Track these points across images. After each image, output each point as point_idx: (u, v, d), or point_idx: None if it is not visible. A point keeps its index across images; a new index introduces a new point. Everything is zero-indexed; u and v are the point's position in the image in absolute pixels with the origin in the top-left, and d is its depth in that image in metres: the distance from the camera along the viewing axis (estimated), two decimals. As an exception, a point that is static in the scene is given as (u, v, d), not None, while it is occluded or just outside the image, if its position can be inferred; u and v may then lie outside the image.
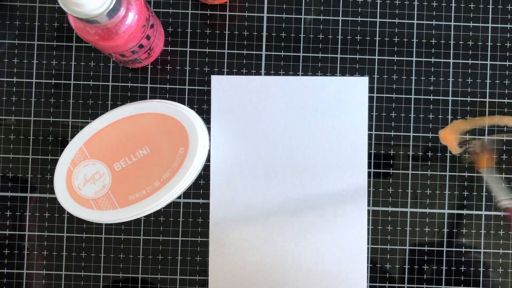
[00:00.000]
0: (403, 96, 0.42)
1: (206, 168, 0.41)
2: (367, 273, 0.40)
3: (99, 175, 0.36)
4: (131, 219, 0.37)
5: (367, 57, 0.42)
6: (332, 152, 0.41)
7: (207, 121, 0.41)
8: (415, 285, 0.41)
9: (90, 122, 0.37)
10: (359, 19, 0.42)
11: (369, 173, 0.41)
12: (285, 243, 0.40)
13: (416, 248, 0.41)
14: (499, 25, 0.42)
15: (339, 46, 0.42)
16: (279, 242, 0.40)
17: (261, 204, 0.40)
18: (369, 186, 0.41)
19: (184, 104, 0.41)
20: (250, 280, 0.40)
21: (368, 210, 0.41)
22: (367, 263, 0.41)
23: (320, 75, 0.41)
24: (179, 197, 0.41)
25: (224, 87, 0.41)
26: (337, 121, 0.41)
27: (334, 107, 0.41)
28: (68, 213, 0.41)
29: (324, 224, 0.40)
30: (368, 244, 0.41)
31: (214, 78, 0.41)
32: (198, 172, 0.38)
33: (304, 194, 0.40)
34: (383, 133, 0.41)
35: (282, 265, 0.40)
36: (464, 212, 0.41)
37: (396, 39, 0.42)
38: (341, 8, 0.42)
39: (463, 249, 0.41)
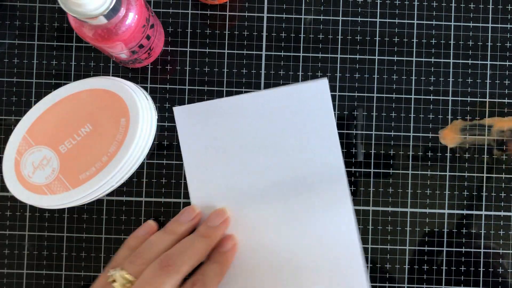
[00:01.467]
0: (403, 96, 0.42)
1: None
2: (367, 271, 0.40)
3: (46, 160, 0.36)
4: (90, 200, 0.37)
5: (367, 57, 0.42)
6: (307, 155, 0.40)
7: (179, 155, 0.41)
8: (415, 285, 0.41)
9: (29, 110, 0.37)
10: (359, 19, 0.42)
11: (369, 173, 0.41)
12: (272, 234, 0.40)
13: (416, 248, 0.41)
14: (499, 25, 0.42)
15: (339, 46, 0.42)
16: (267, 232, 0.40)
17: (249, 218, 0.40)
18: (369, 186, 0.41)
19: (185, 104, 0.41)
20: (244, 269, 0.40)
21: (368, 210, 0.41)
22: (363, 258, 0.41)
23: (281, 84, 0.41)
24: (183, 198, 0.41)
25: (186, 117, 0.41)
26: (304, 124, 0.41)
27: (299, 114, 0.41)
28: (67, 212, 0.41)
29: (310, 215, 0.40)
30: (368, 244, 0.41)
31: (176, 110, 0.41)
32: (148, 143, 0.38)
33: (289, 208, 0.40)
34: (383, 133, 0.41)
35: (273, 254, 0.40)
36: (464, 212, 0.41)
37: (396, 39, 0.42)
38: (341, 8, 0.42)
39: (463, 249, 0.41)
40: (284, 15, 0.42)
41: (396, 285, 0.41)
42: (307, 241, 0.40)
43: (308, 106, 0.41)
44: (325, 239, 0.40)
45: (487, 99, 0.42)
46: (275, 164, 0.40)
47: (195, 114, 0.41)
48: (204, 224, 0.39)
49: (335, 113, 0.41)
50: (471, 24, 0.42)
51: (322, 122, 0.41)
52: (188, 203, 0.41)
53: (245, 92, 0.41)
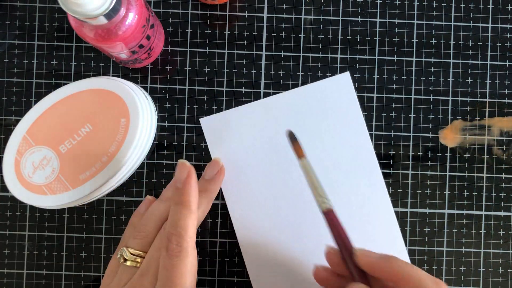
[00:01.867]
0: (403, 96, 0.42)
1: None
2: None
3: (46, 160, 0.36)
4: (90, 200, 0.37)
5: (367, 57, 0.42)
6: (338, 152, 0.41)
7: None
8: (415, 285, 0.41)
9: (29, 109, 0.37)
10: (359, 19, 0.42)
11: (369, 173, 0.41)
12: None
13: (416, 248, 0.41)
14: (499, 25, 0.42)
15: (339, 46, 0.42)
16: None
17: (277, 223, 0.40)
18: (369, 186, 0.41)
19: (185, 104, 0.41)
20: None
21: (368, 210, 0.41)
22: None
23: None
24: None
25: (213, 127, 0.41)
26: (334, 123, 0.41)
27: (327, 111, 0.41)
28: (67, 212, 0.41)
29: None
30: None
31: (203, 121, 0.41)
32: (148, 143, 0.38)
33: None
34: (383, 133, 0.41)
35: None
36: (464, 212, 0.41)
37: (396, 39, 0.42)
38: (341, 8, 0.42)
39: (463, 249, 0.41)
40: (284, 15, 0.42)
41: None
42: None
43: (333, 101, 0.41)
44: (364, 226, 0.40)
45: (487, 99, 0.42)
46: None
47: (221, 123, 0.41)
48: (202, 179, 0.39)
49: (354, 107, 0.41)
50: (471, 24, 0.42)
51: (349, 115, 0.41)
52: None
53: (245, 92, 0.41)
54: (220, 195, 0.41)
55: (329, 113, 0.41)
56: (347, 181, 0.40)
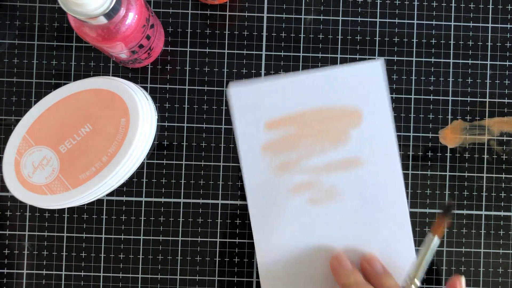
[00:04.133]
0: (403, 96, 0.42)
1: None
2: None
3: (46, 160, 0.36)
4: (90, 200, 0.37)
5: (367, 57, 0.42)
6: (360, 140, 0.41)
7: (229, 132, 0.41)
8: (415, 285, 0.41)
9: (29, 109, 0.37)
10: (359, 19, 0.42)
11: (369, 173, 0.41)
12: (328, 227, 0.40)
13: (416, 248, 0.41)
14: (499, 25, 0.42)
15: (339, 46, 0.42)
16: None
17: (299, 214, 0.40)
18: (369, 186, 0.41)
19: (185, 104, 0.41)
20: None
21: (368, 210, 0.41)
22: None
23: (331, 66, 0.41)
24: (183, 198, 0.41)
25: (241, 96, 0.40)
26: (358, 104, 0.41)
27: (353, 93, 0.41)
28: (67, 212, 0.41)
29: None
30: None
31: (232, 88, 0.40)
32: (148, 143, 0.38)
33: (342, 181, 0.40)
34: (383, 133, 0.41)
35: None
36: (464, 212, 0.41)
37: (396, 39, 0.42)
38: (341, 8, 0.42)
39: (463, 249, 0.41)
40: (284, 15, 0.42)
41: (396, 285, 0.41)
42: (361, 216, 0.40)
43: (362, 87, 0.41)
44: (378, 214, 0.40)
45: (487, 99, 0.42)
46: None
47: (249, 94, 0.41)
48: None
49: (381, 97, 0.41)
50: (471, 24, 0.42)
51: (376, 103, 0.41)
52: (188, 203, 0.41)
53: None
54: (220, 195, 0.41)
55: (356, 98, 0.41)
56: (366, 171, 0.40)
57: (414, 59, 0.42)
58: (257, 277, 0.41)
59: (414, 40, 0.42)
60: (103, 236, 0.41)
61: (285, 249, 0.40)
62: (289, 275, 0.40)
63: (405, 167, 0.41)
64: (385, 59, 0.42)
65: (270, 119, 0.40)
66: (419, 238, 0.41)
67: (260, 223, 0.40)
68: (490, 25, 0.42)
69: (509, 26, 0.42)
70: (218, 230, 0.41)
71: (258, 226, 0.40)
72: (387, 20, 0.42)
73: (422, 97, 0.42)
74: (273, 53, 0.42)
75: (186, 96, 0.41)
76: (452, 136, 0.42)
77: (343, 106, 0.40)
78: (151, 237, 0.41)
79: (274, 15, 0.42)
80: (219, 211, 0.41)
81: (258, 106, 0.40)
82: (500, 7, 0.42)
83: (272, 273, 0.40)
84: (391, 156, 0.40)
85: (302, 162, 0.40)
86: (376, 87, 0.41)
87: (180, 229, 0.41)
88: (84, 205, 0.40)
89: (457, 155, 0.42)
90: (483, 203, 0.41)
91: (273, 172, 0.40)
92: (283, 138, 0.40)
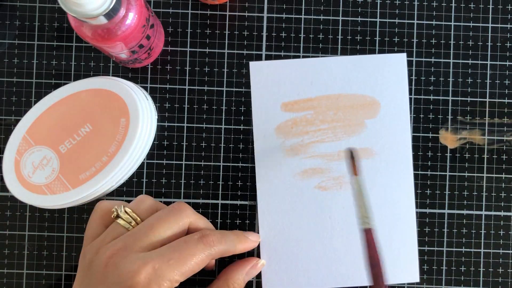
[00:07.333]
0: (403, 96, 0.42)
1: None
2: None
3: (46, 160, 0.36)
4: (90, 200, 0.37)
5: (367, 57, 0.42)
6: (374, 131, 0.41)
7: (248, 108, 0.41)
8: (415, 285, 0.41)
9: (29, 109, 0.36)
10: (359, 19, 0.42)
11: (369, 173, 0.41)
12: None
13: (416, 248, 0.41)
14: (499, 25, 0.42)
15: (339, 46, 0.42)
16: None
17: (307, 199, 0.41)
18: (369, 186, 0.41)
19: (185, 104, 0.41)
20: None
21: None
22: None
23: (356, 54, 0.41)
24: (183, 198, 0.41)
25: (260, 74, 0.41)
26: (379, 100, 0.41)
27: (373, 84, 0.41)
28: (67, 212, 0.41)
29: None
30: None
31: (252, 65, 0.41)
32: (148, 143, 0.38)
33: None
34: (383, 133, 0.41)
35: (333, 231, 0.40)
36: (464, 212, 0.41)
37: (396, 39, 0.42)
38: (341, 8, 0.42)
39: (463, 249, 0.41)
40: (284, 15, 0.42)
41: (397, 284, 0.41)
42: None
43: (382, 78, 0.41)
44: (384, 205, 0.40)
45: (487, 99, 0.42)
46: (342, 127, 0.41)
47: (268, 71, 0.41)
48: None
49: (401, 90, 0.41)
50: (471, 24, 0.42)
51: (396, 95, 0.41)
52: (188, 203, 0.41)
53: (245, 92, 0.41)
54: (220, 195, 0.41)
55: (376, 88, 0.41)
56: (377, 163, 0.41)
57: (414, 59, 0.42)
58: (257, 277, 0.41)
59: (414, 40, 0.42)
60: (103, 236, 0.41)
61: (287, 230, 0.40)
62: (290, 260, 0.40)
63: (405, 167, 0.41)
64: (385, 59, 0.42)
65: (288, 100, 0.41)
66: (419, 238, 0.41)
67: (265, 198, 0.40)
68: (490, 25, 0.42)
69: (509, 26, 0.42)
70: (218, 229, 0.41)
71: (263, 197, 0.40)
72: (387, 20, 0.42)
73: (422, 97, 0.42)
74: (273, 53, 0.42)
75: (186, 96, 0.41)
76: (452, 136, 0.42)
77: (362, 95, 0.41)
78: (151, 237, 0.41)
79: (274, 15, 0.42)
80: (219, 211, 0.41)
81: (277, 85, 0.41)
82: (500, 7, 0.42)
83: (274, 252, 0.40)
84: (404, 151, 0.41)
85: (314, 147, 0.40)
86: (398, 80, 0.41)
87: (180, 229, 0.41)
88: (84, 205, 0.40)
89: (457, 155, 0.42)
90: (483, 203, 0.41)
91: (284, 153, 0.41)
92: (299, 120, 0.41)
